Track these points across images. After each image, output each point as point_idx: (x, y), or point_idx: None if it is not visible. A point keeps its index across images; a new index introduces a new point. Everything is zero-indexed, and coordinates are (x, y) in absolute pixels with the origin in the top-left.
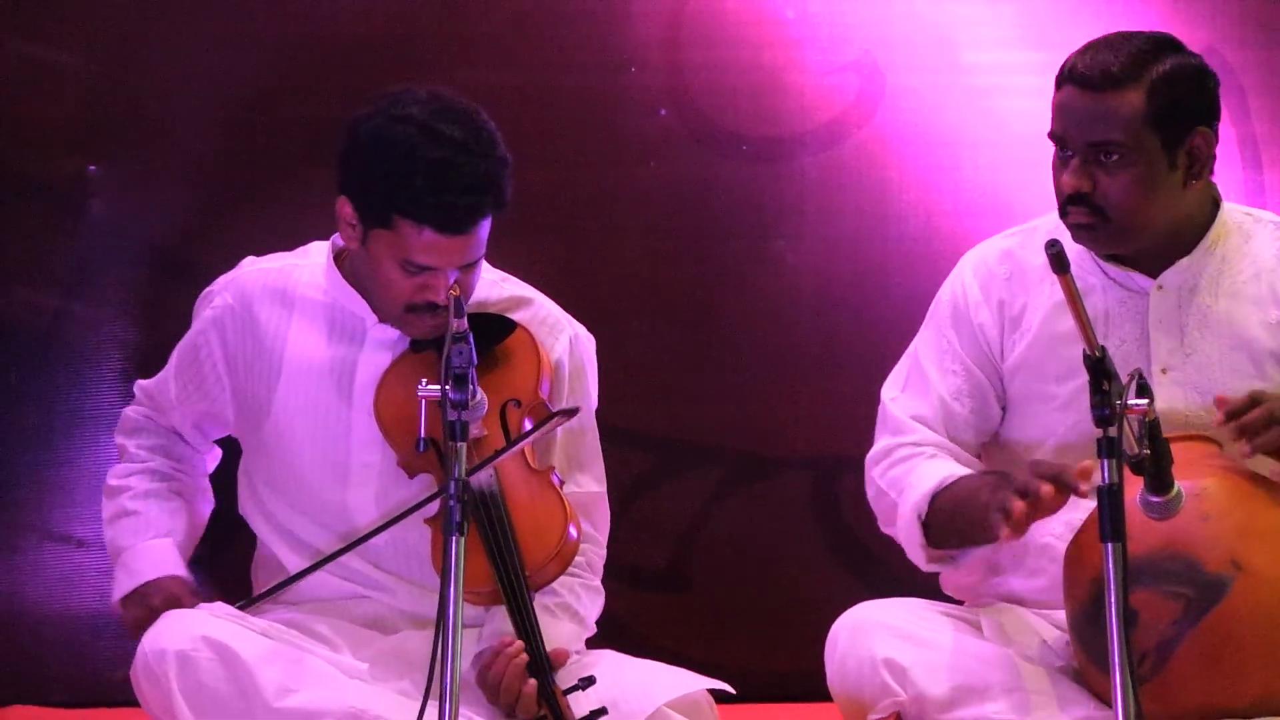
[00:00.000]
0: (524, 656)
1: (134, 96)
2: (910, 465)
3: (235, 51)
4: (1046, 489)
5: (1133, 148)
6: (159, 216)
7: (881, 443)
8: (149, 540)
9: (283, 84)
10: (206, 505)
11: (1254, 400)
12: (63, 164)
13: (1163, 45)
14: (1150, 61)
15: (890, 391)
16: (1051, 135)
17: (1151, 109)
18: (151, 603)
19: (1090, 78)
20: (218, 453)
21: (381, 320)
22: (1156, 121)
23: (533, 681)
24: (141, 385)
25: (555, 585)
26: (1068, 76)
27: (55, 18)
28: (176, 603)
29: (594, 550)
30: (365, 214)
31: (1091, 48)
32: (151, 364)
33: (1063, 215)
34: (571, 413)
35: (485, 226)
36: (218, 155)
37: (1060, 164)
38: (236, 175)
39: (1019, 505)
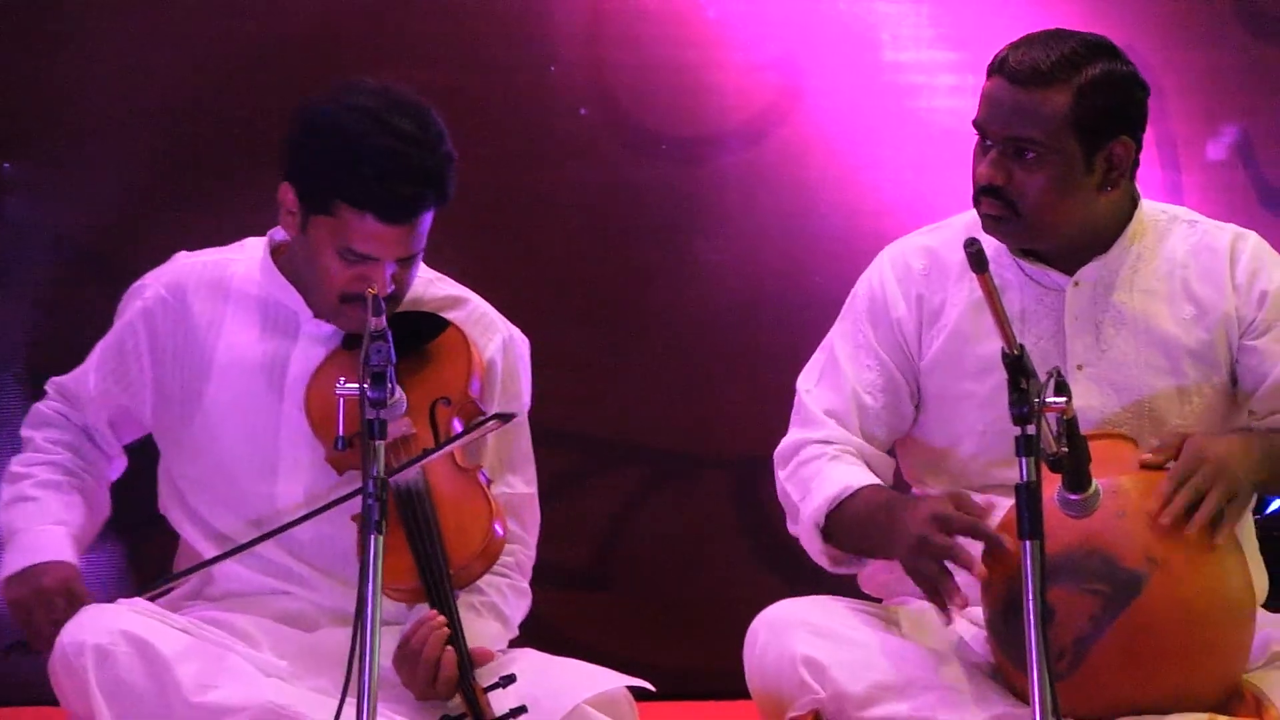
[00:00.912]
0: (445, 630)
1: (53, 94)
2: (814, 468)
3: (159, 49)
4: (979, 570)
5: (1051, 148)
6: (78, 215)
7: (791, 436)
8: (45, 525)
9: (207, 83)
10: (103, 511)
11: (1183, 477)
12: None
13: (1097, 49)
14: (1081, 64)
15: (805, 383)
16: (975, 123)
17: (1075, 112)
18: (40, 583)
19: (1018, 72)
20: (123, 461)
21: (317, 314)
22: (1078, 125)
23: (451, 651)
24: (56, 381)
25: (482, 584)
26: (998, 68)
27: None
28: (67, 585)
29: (523, 551)
30: (308, 199)
31: (1026, 42)
32: (65, 364)
33: (976, 204)
34: (507, 418)
35: (427, 220)
36: (141, 154)
37: (980, 153)
38: (160, 174)
39: (954, 591)
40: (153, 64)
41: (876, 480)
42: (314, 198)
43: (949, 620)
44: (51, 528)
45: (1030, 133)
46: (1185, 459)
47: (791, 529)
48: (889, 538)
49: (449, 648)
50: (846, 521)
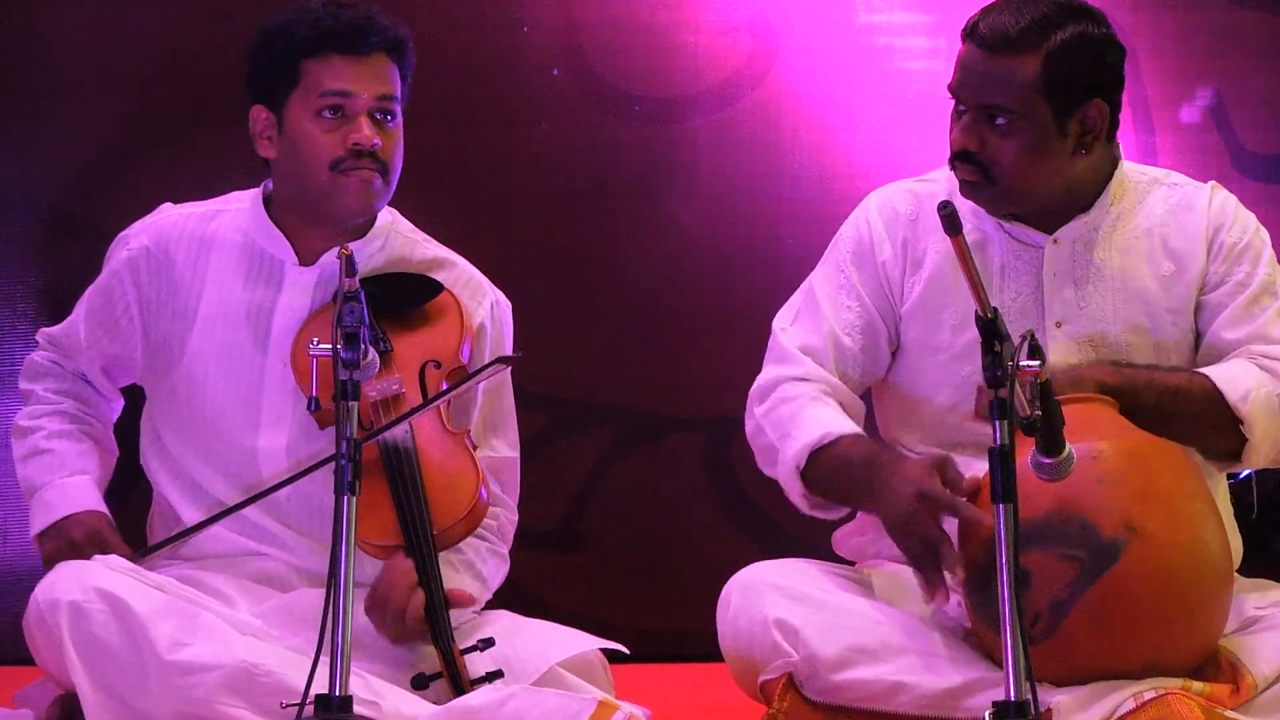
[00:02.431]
0: (414, 575)
1: (21, 54)
2: (793, 408)
3: (132, 7)
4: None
5: (1022, 114)
6: (55, 173)
7: (767, 374)
8: (66, 477)
9: (179, 40)
10: (113, 453)
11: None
12: None
13: (1069, 12)
14: (1051, 29)
15: (781, 322)
16: (949, 88)
17: (1045, 77)
18: (72, 536)
19: (988, 39)
20: (121, 402)
21: (315, 211)
22: (1049, 90)
23: (420, 593)
24: (46, 332)
25: (462, 546)
26: (970, 34)
27: None
28: (98, 536)
29: (505, 515)
30: (274, 91)
31: (996, 8)
32: (52, 317)
33: (952, 168)
34: (510, 360)
35: (393, 69)
36: (111, 113)
37: (955, 117)
38: (134, 133)
39: (939, 583)
40: (122, 23)
41: (856, 429)
42: (279, 81)
43: (930, 599)
44: (72, 479)
45: (1001, 99)
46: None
47: (767, 470)
48: (872, 496)
49: (418, 590)
50: (826, 469)
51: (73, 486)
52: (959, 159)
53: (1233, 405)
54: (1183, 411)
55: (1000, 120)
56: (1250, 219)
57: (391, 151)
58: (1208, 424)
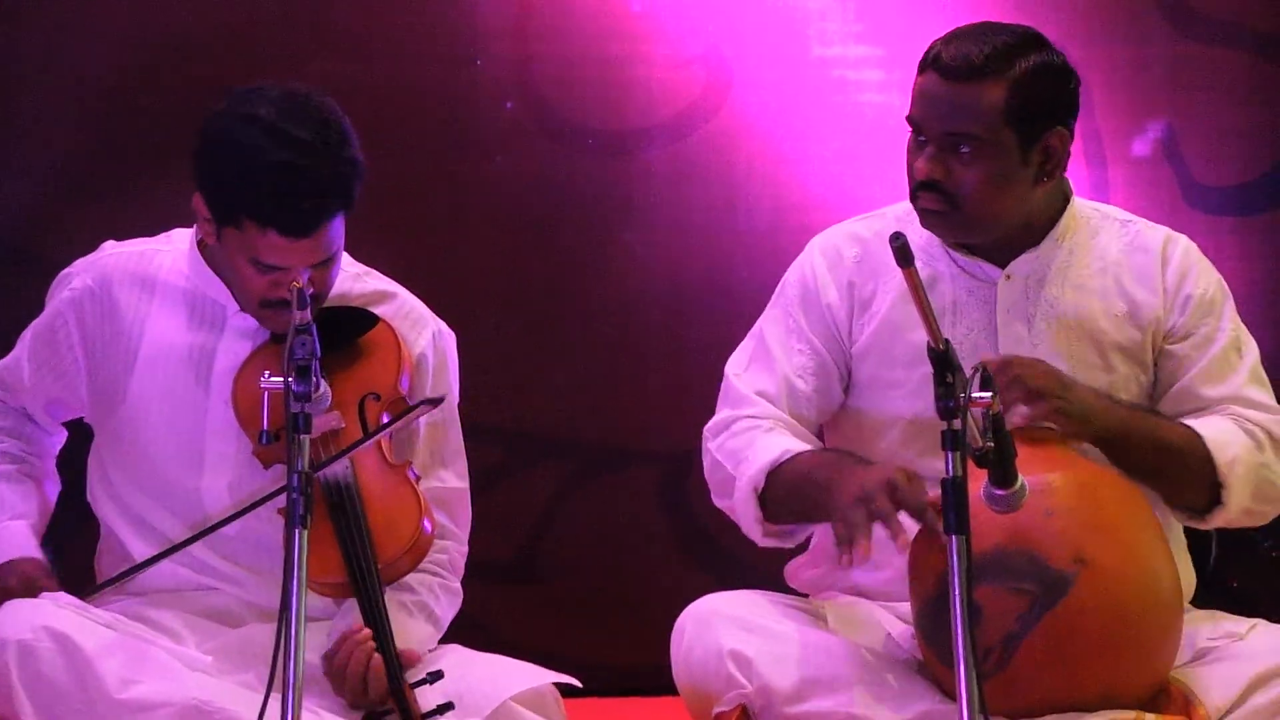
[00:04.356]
0: (370, 644)
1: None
2: (748, 438)
3: (83, 42)
4: (903, 539)
5: (988, 141)
6: (3, 209)
7: (721, 414)
8: (3, 522)
9: (131, 75)
10: (54, 488)
11: (1003, 365)
12: None
13: (1029, 41)
14: (1015, 56)
15: (734, 367)
16: (909, 119)
17: (1011, 105)
18: (7, 583)
19: (953, 67)
20: (64, 434)
21: (241, 310)
22: (1015, 118)
23: (379, 660)
24: None
25: (414, 583)
26: (931, 63)
27: None
28: (32, 584)
29: (455, 548)
30: (216, 212)
31: (957, 36)
32: None
33: (913, 199)
34: (435, 401)
35: (336, 226)
36: (65, 147)
37: (915, 149)
38: (84, 166)
39: (865, 547)
40: (74, 55)
41: (812, 448)
42: (221, 211)
43: (846, 565)
44: (9, 524)
45: (967, 127)
46: (1013, 359)
47: (721, 503)
48: (829, 492)
49: (376, 656)
50: (785, 484)
51: (9, 532)
52: (923, 188)
53: (1219, 467)
54: (1171, 464)
55: (965, 148)
56: (1212, 270)
57: (326, 283)
58: (1190, 481)
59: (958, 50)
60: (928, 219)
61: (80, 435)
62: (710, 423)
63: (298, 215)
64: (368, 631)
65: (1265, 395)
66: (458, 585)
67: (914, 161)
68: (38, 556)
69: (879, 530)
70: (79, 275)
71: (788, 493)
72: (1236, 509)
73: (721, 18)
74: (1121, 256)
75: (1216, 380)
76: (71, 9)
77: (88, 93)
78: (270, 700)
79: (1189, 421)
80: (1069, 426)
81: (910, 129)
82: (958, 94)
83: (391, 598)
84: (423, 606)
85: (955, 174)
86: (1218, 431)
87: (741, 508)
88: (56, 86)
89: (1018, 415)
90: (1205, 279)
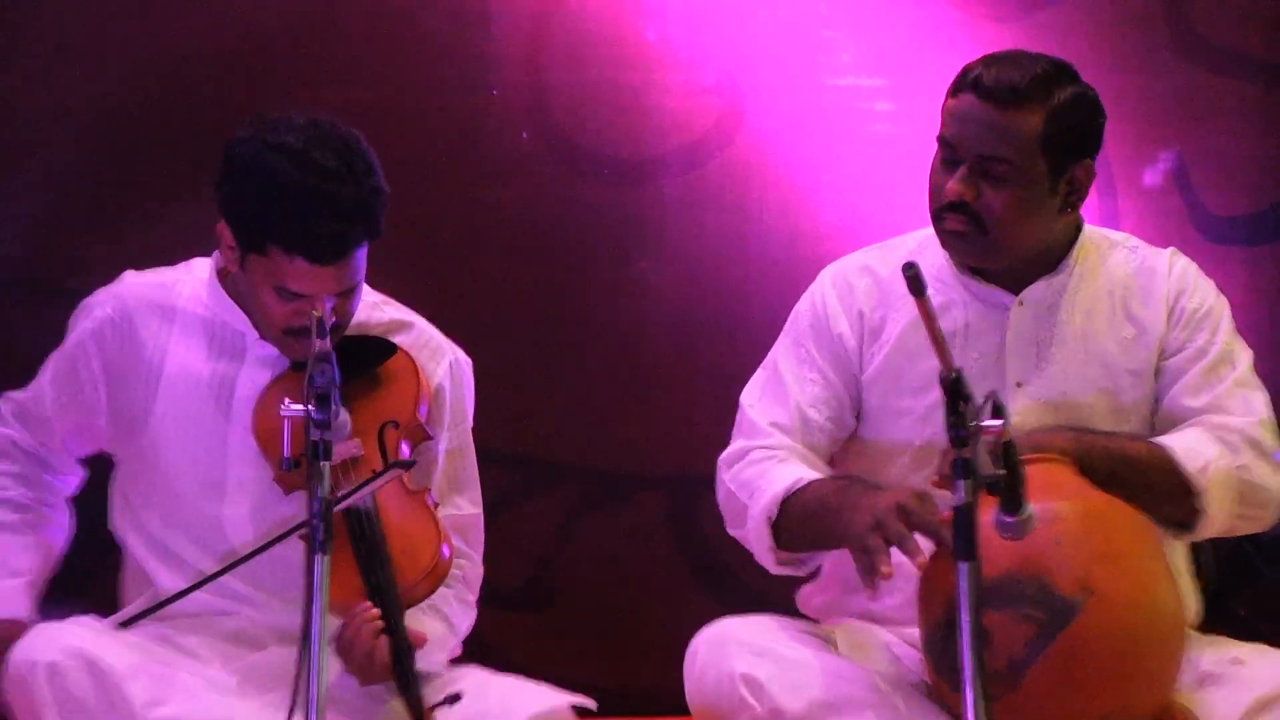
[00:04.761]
0: (378, 622)
1: None
2: (762, 468)
3: (89, 66)
4: (920, 559)
5: (1021, 167)
6: (13, 233)
7: (736, 445)
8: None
9: (139, 101)
10: (62, 534)
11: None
12: None
13: (1065, 72)
14: (1054, 85)
15: (749, 398)
16: (941, 138)
17: (1047, 133)
18: None
19: (994, 90)
20: (80, 475)
21: (262, 338)
22: (1049, 146)
23: (384, 639)
24: (12, 397)
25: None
26: (970, 85)
27: None
28: (5, 646)
29: (471, 568)
30: (241, 239)
31: (996, 61)
32: (17, 379)
33: (938, 220)
34: (407, 465)
35: (360, 254)
36: (72, 172)
37: (944, 168)
38: (92, 193)
39: (886, 573)
40: (83, 81)
41: (824, 476)
42: (246, 238)
43: (873, 595)
44: (5, 581)
45: (1003, 151)
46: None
47: (735, 532)
48: (842, 518)
49: (384, 636)
50: (798, 512)
51: (2, 591)
52: (951, 209)
53: (1190, 477)
54: (1138, 481)
55: (998, 172)
56: (1210, 286)
57: (347, 313)
58: (1163, 494)
59: (1000, 74)
60: (952, 240)
61: (102, 464)
62: (725, 453)
63: (324, 242)
64: (376, 611)
65: (1249, 403)
66: (473, 599)
67: (943, 182)
68: (22, 618)
69: (894, 554)
70: (100, 305)
71: (800, 520)
72: (1221, 516)
73: (736, 48)
74: (1129, 280)
75: (1201, 391)
76: (78, 34)
77: (98, 117)
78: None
79: (1158, 438)
80: (1089, 455)
81: (939, 148)
82: (997, 118)
83: (405, 615)
84: (435, 610)
85: (985, 197)
86: (1186, 441)
87: (755, 536)
88: (64, 110)
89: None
90: (1202, 293)
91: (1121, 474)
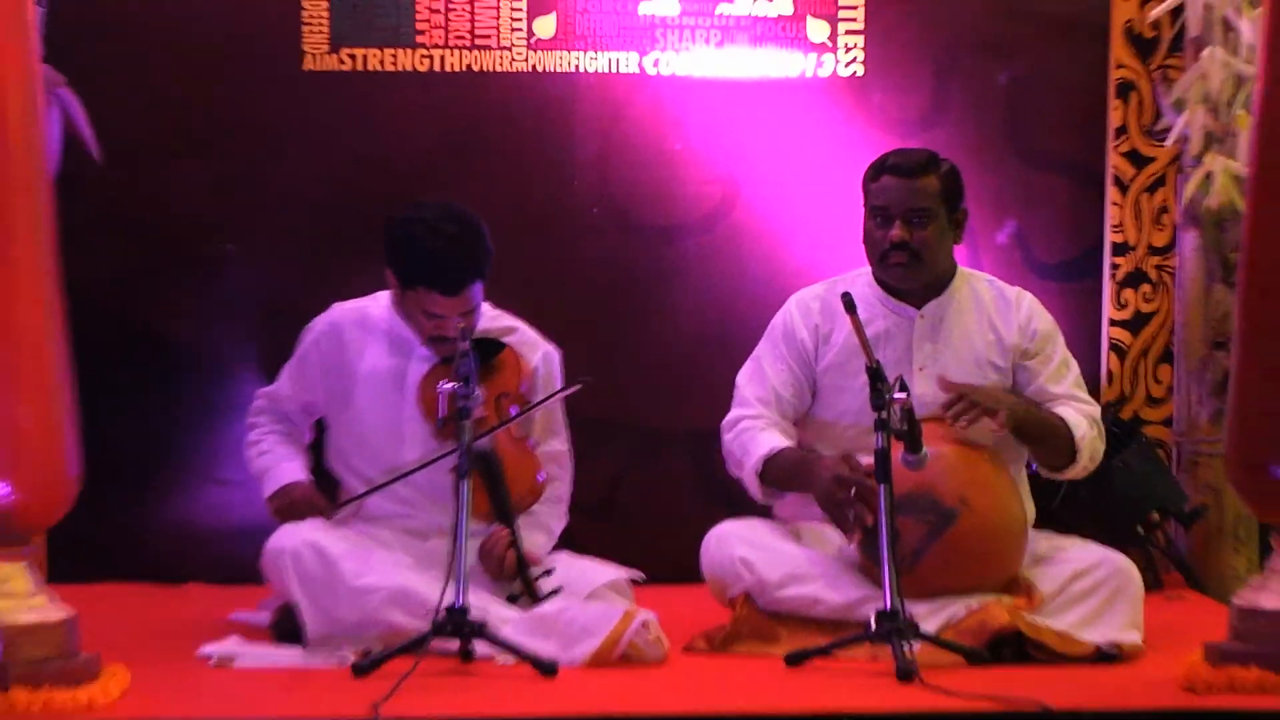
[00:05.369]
0: (508, 538)
1: (255, 189)
2: (750, 435)
3: (323, 161)
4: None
5: (934, 211)
6: (273, 281)
7: (732, 413)
8: (284, 463)
9: (355, 185)
10: (310, 458)
11: (959, 395)
12: (212, 239)
13: (936, 155)
14: (938, 161)
15: (741, 379)
16: (873, 207)
17: (943, 189)
18: (292, 495)
19: (907, 168)
20: (311, 434)
21: (421, 344)
22: (945, 197)
23: (513, 551)
24: (263, 390)
25: (536, 509)
26: (888, 169)
27: (185, 138)
28: (309, 495)
29: (563, 487)
30: (399, 281)
31: (896, 153)
32: (263, 373)
33: (883, 260)
34: (580, 383)
35: (475, 289)
36: (311, 236)
37: (880, 226)
38: (328, 248)
39: (863, 524)
40: (318, 171)
41: (791, 444)
42: (402, 280)
43: (848, 540)
44: (289, 463)
45: (922, 203)
46: (964, 389)
47: (735, 473)
48: (806, 482)
49: (510, 550)
50: (775, 470)
51: (289, 466)
52: (895, 249)
53: (1075, 440)
54: (1049, 437)
55: (921, 218)
56: (1047, 314)
57: (471, 325)
58: (1057, 448)
59: (904, 159)
60: (898, 271)
61: (319, 428)
62: (725, 419)
63: (449, 282)
64: (506, 531)
65: (1085, 393)
66: (564, 510)
67: (883, 236)
68: (308, 479)
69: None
70: (320, 324)
71: (776, 477)
72: (1080, 466)
73: (733, 152)
74: (992, 303)
75: (1057, 382)
76: (314, 140)
77: (323, 199)
78: (447, 587)
79: (1055, 410)
80: (1009, 422)
81: (870, 216)
82: (914, 184)
83: (520, 519)
84: (541, 525)
85: (915, 236)
86: (1073, 417)
87: (748, 482)
88: (306, 193)
89: (985, 426)
90: (1044, 320)
91: (1039, 431)
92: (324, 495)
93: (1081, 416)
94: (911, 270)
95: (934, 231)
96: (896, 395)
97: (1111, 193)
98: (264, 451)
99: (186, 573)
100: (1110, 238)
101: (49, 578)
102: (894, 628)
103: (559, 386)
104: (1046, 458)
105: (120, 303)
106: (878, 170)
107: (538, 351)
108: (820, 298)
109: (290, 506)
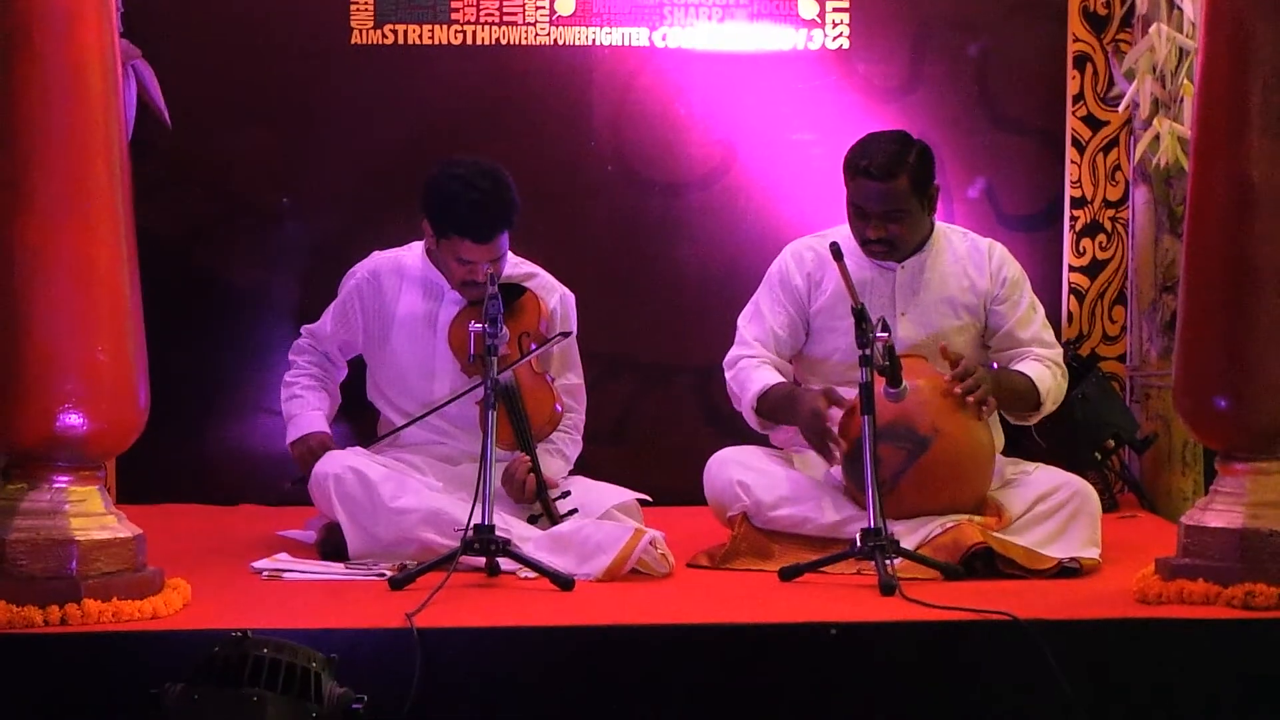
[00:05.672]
0: (528, 464)
1: (315, 150)
2: (747, 372)
3: (367, 126)
4: (837, 412)
5: (907, 209)
6: (327, 230)
7: (733, 351)
8: (309, 412)
9: (395, 147)
10: (337, 399)
11: (966, 371)
12: (269, 195)
13: (907, 141)
14: (906, 155)
15: (742, 321)
16: (853, 203)
17: (913, 183)
18: (309, 444)
19: (876, 172)
20: (346, 370)
21: (452, 288)
22: (915, 188)
23: (533, 476)
24: (307, 327)
25: (554, 437)
26: (861, 172)
27: (246, 105)
28: (324, 443)
29: (578, 417)
30: (435, 230)
31: (868, 154)
32: (311, 315)
33: (865, 246)
34: (566, 335)
35: (503, 238)
36: (364, 195)
37: (860, 219)
38: (370, 207)
39: (834, 450)
40: (362, 134)
41: (783, 379)
42: (437, 229)
43: (829, 465)
44: (312, 413)
45: (894, 204)
46: (969, 366)
47: (736, 406)
48: (793, 415)
49: (531, 474)
50: (768, 403)
51: (311, 416)
52: (873, 242)
53: (1040, 395)
54: (1020, 394)
55: (895, 216)
56: (1015, 262)
57: (499, 271)
58: (1027, 401)
59: (874, 163)
60: (877, 254)
61: (359, 365)
62: (727, 356)
63: (481, 230)
64: (527, 458)
65: (1051, 337)
66: (579, 438)
67: (863, 228)
68: (326, 431)
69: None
70: (360, 271)
71: (769, 410)
72: (1044, 412)
73: (731, 116)
74: (965, 254)
75: (1026, 327)
76: (370, 104)
77: (373, 157)
78: (474, 508)
79: (1021, 366)
80: (995, 391)
81: (851, 207)
82: (885, 188)
83: (540, 447)
84: (559, 451)
85: (891, 230)
86: (1038, 372)
87: (746, 414)
88: (359, 151)
89: (989, 407)
90: (1012, 268)
91: (1011, 398)
92: (337, 445)
93: (1045, 369)
94: (890, 255)
95: (908, 224)
96: (879, 335)
97: (1070, 152)
98: (294, 396)
99: (240, 494)
100: (1070, 192)
101: (117, 499)
102: (877, 545)
103: (573, 327)
104: (1015, 413)
105: (186, 251)
106: (854, 169)
107: (555, 294)
108: (812, 248)
109: (309, 453)
